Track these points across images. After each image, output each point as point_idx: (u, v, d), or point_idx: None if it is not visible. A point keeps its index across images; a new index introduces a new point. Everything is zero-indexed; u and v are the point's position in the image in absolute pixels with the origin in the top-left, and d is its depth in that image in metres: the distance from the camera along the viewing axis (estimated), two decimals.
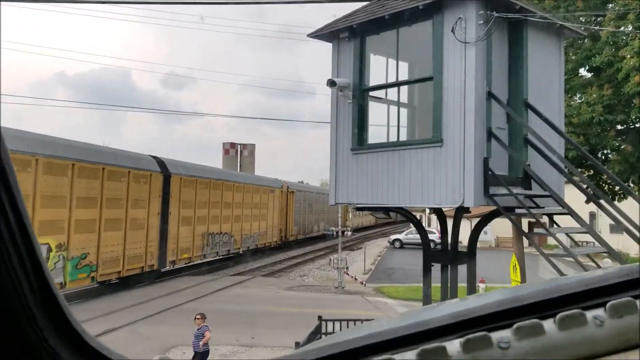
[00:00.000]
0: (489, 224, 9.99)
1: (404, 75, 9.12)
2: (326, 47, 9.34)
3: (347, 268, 24.99)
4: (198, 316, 10.69)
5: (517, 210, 7.91)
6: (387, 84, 8.97)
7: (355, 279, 25.24)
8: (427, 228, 14.51)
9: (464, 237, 9.70)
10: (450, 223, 9.19)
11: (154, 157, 23.26)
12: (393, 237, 45.82)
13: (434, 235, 23.13)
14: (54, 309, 0.57)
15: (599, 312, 0.64)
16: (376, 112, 9.28)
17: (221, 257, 29.71)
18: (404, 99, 9.31)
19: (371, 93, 9.04)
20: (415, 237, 23.85)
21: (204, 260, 27.94)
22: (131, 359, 0.61)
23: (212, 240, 27.79)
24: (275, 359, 0.68)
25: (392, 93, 9.09)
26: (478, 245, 9.42)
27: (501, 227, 38.64)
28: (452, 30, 7.59)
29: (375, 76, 9.05)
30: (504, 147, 7.71)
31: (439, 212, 9.33)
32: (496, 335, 0.62)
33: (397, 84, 8.89)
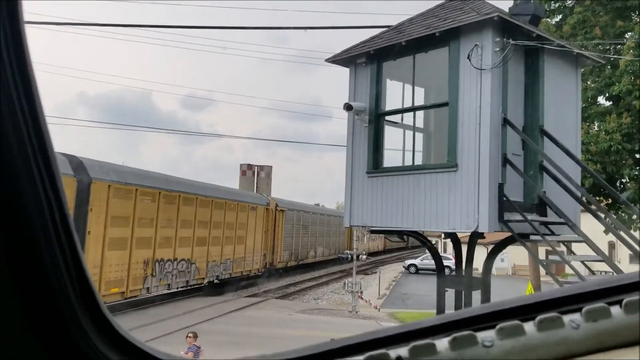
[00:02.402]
0: (505, 251, 9.91)
1: (420, 100, 9.21)
2: (344, 72, 9.50)
3: (362, 292, 24.84)
4: (190, 334, 10.73)
5: (532, 237, 7.86)
6: (403, 108, 9.07)
7: (370, 303, 25.06)
8: (442, 254, 14.46)
9: (480, 264, 9.63)
10: (465, 249, 9.16)
11: (67, 156, 17.19)
12: (408, 262, 45.52)
13: (450, 261, 22.80)
14: (90, 300, 0.65)
15: (576, 316, 0.69)
16: (392, 136, 9.35)
17: (177, 289, 23.59)
18: (419, 123, 9.39)
19: (387, 117, 9.13)
20: (431, 262, 23.64)
21: (150, 295, 21.30)
22: (150, 346, 0.68)
23: (161, 268, 21.31)
24: (287, 352, 0.74)
25: (408, 118, 9.18)
26: (495, 272, 9.37)
27: (518, 255, 38.17)
28: (469, 57, 7.67)
29: (392, 101, 9.16)
30: (519, 173, 7.71)
31: (453, 237, 9.31)
32: (481, 335, 0.68)
33: (413, 109, 8.98)
